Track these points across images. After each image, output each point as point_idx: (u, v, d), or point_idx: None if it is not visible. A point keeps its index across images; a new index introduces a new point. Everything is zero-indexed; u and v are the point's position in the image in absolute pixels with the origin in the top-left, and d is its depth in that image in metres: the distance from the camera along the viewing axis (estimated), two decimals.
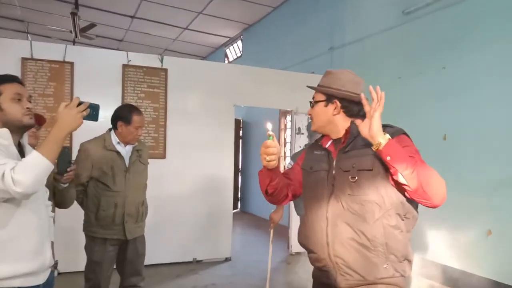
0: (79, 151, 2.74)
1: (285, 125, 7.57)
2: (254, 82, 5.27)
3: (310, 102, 1.73)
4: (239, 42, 9.78)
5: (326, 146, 1.70)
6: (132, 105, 2.89)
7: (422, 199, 1.42)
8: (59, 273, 4.16)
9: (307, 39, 6.85)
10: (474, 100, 4.03)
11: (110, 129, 2.80)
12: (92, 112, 1.58)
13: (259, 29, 8.72)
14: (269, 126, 1.54)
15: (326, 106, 1.67)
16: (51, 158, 1.47)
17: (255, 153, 8.54)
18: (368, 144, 1.50)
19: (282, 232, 6.22)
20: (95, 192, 2.70)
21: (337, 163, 1.60)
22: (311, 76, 5.64)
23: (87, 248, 2.75)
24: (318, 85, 1.71)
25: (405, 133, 1.57)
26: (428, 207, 1.45)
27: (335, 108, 1.65)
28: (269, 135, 1.54)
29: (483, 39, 3.97)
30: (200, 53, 11.46)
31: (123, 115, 2.74)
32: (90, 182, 2.71)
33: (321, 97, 1.68)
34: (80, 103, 1.53)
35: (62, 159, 1.90)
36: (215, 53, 11.12)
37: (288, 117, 7.34)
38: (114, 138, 2.76)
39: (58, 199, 2.11)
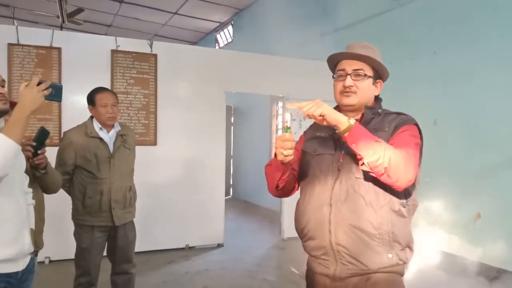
0: (61, 139, 2.76)
1: (277, 111, 7.54)
2: (245, 68, 5.23)
3: (348, 74, 1.52)
4: (230, 28, 9.68)
5: None
6: (99, 86, 2.84)
7: (386, 182, 1.40)
8: (50, 261, 4.16)
9: (298, 25, 6.79)
10: (464, 85, 4.05)
11: (91, 117, 2.79)
12: (54, 92, 1.56)
13: (249, 14, 8.62)
14: (287, 117, 1.42)
15: (373, 84, 1.55)
16: (16, 138, 1.44)
17: (247, 140, 8.53)
18: (379, 129, 1.46)
19: (274, 217, 6.26)
20: (81, 180, 2.69)
21: (346, 147, 1.49)
22: (302, 62, 5.62)
23: (76, 235, 2.76)
24: (366, 56, 1.52)
25: (416, 124, 1.51)
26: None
27: (377, 89, 1.58)
28: (287, 127, 1.41)
29: (474, 24, 3.97)
30: (190, 39, 11.32)
31: (88, 98, 2.75)
32: (76, 171, 2.69)
33: (370, 71, 1.53)
34: (40, 83, 1.51)
35: (39, 140, 1.89)
36: (206, 38, 10.99)
37: (280, 103, 7.32)
38: (96, 125, 2.74)
39: (40, 186, 2.10)
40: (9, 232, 1.55)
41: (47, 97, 1.53)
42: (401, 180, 1.37)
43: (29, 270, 1.68)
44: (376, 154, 1.34)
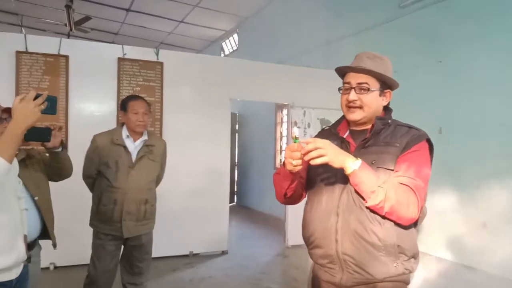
0: (91, 142, 2.75)
1: (282, 118, 7.57)
2: (250, 76, 5.26)
3: (352, 88, 1.53)
4: (235, 35, 9.74)
5: (344, 136, 1.60)
6: (134, 94, 2.86)
7: (391, 219, 1.43)
8: (55, 267, 4.17)
9: (303, 33, 6.83)
10: (469, 94, 4.05)
11: (122, 123, 2.78)
12: (50, 105, 1.48)
13: (255, 22, 8.68)
14: (295, 130, 1.43)
15: (380, 95, 1.55)
16: (7, 156, 1.35)
17: (251, 147, 8.55)
18: (390, 143, 1.46)
19: (278, 225, 6.24)
20: (99, 186, 2.70)
21: (354, 156, 1.49)
22: (307, 70, 5.64)
23: (92, 241, 2.76)
24: (369, 70, 1.54)
25: (428, 139, 1.52)
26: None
27: (385, 99, 1.58)
28: (295, 138, 1.43)
29: (479, 33, 3.98)
30: (196, 47, 11.40)
31: (121, 104, 2.76)
32: (98, 175, 2.71)
33: (375, 84, 1.54)
34: (37, 96, 1.43)
35: (36, 136, 1.78)
36: (211, 46, 11.06)
37: (285, 111, 7.34)
38: (124, 132, 2.73)
39: (58, 167, 2.14)
40: (5, 240, 1.52)
41: (43, 111, 1.45)
42: (403, 219, 1.42)
43: (23, 277, 1.66)
44: (378, 197, 1.37)
